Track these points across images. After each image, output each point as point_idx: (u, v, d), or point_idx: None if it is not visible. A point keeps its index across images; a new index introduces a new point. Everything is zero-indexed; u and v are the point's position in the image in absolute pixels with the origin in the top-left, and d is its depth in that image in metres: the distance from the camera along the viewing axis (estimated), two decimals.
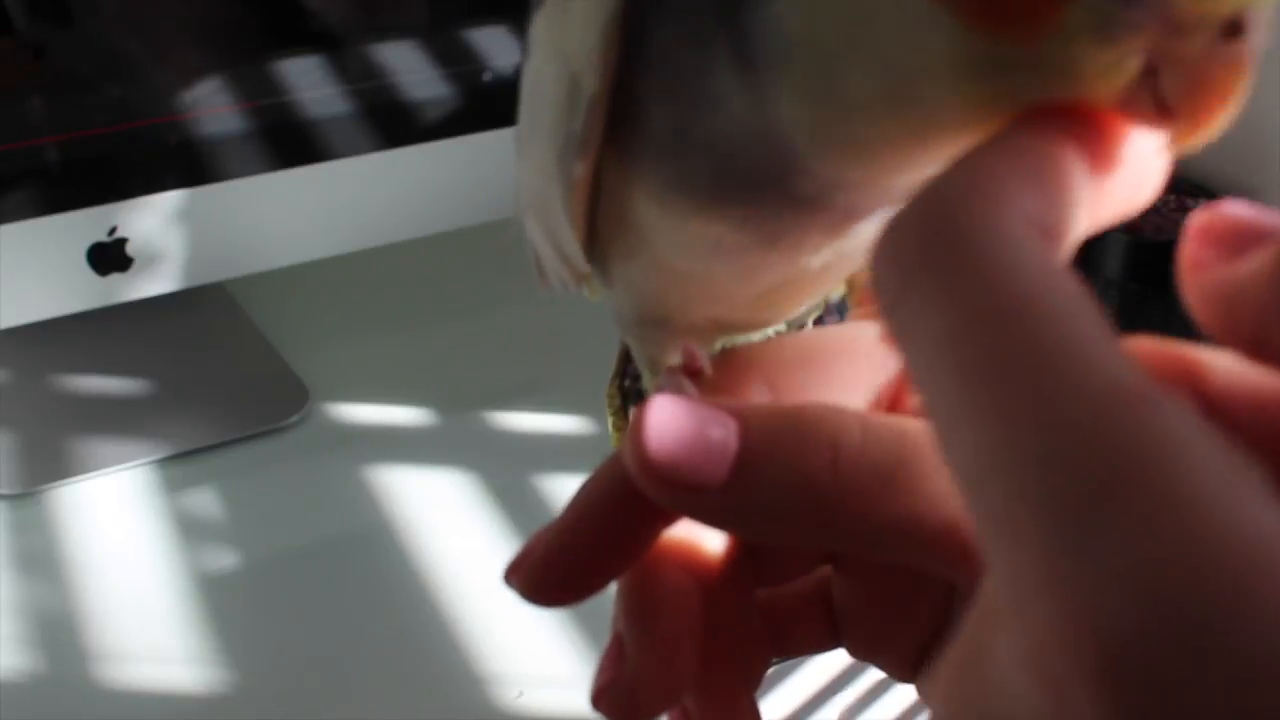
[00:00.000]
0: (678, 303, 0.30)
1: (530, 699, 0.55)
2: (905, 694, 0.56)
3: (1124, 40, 0.19)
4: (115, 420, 0.68)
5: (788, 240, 0.26)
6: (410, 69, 0.67)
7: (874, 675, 0.59)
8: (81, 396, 0.70)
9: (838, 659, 0.57)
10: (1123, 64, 0.19)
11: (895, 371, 0.26)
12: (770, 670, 0.62)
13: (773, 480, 0.22)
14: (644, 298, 0.30)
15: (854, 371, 0.26)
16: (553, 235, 0.30)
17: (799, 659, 0.56)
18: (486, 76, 0.69)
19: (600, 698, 0.25)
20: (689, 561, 0.25)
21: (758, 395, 0.25)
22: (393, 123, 0.67)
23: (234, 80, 0.64)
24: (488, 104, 0.69)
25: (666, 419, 0.22)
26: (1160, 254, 0.68)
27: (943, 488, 0.22)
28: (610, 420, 0.42)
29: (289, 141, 0.66)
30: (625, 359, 0.39)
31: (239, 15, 0.65)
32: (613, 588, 0.25)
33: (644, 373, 0.33)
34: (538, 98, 0.28)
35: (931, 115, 0.20)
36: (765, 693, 0.56)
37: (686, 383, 0.26)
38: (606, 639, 0.26)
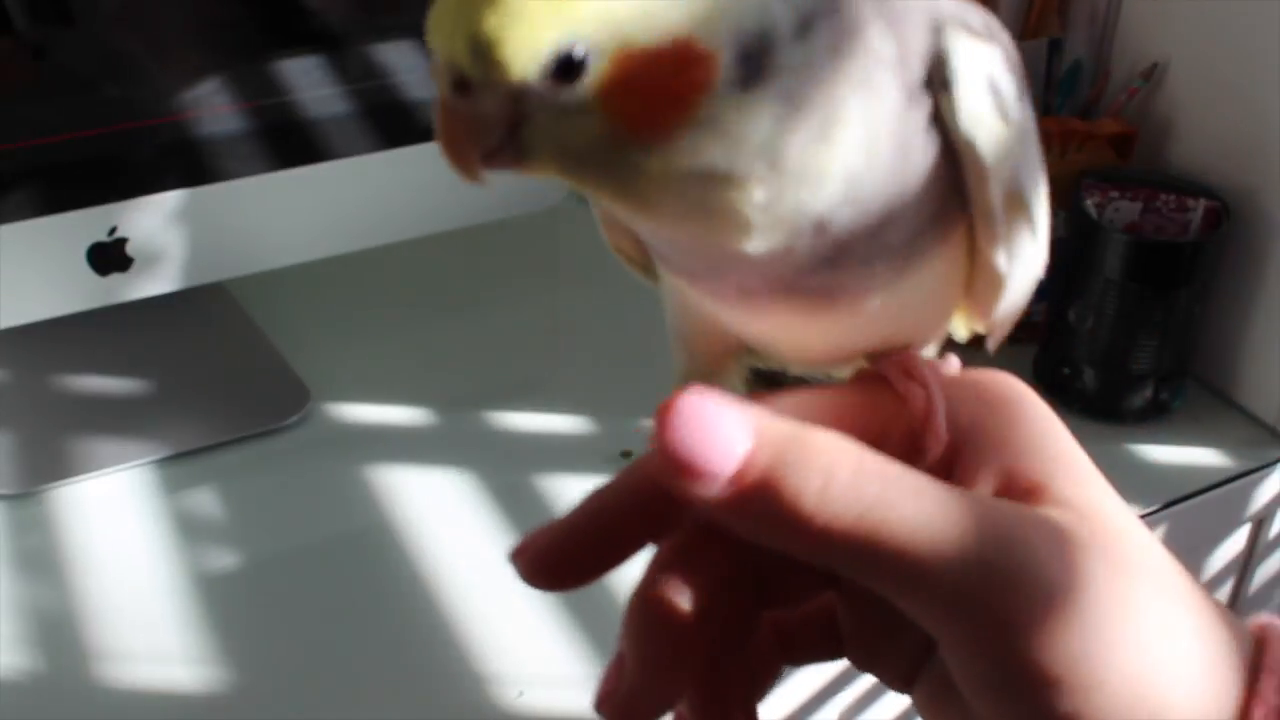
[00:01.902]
0: (693, 324, 0.34)
1: (530, 699, 0.55)
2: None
3: None
4: (115, 420, 0.68)
5: (751, 305, 0.29)
6: (410, 69, 0.67)
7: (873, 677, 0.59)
8: (81, 396, 0.70)
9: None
10: None
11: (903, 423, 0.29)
12: None
13: (767, 490, 0.24)
14: (670, 313, 0.34)
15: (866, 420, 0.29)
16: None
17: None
18: None
19: (602, 703, 0.28)
20: (692, 585, 0.27)
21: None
22: (393, 123, 0.67)
23: (234, 80, 0.64)
24: None
25: (695, 408, 0.24)
26: (1160, 254, 0.68)
27: (913, 530, 0.24)
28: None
29: (289, 141, 0.65)
30: None
31: (239, 15, 0.65)
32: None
33: (676, 378, 0.36)
34: None
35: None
36: None
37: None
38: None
